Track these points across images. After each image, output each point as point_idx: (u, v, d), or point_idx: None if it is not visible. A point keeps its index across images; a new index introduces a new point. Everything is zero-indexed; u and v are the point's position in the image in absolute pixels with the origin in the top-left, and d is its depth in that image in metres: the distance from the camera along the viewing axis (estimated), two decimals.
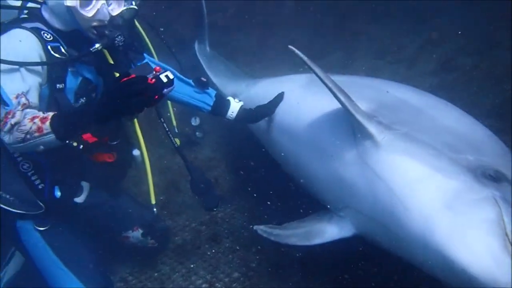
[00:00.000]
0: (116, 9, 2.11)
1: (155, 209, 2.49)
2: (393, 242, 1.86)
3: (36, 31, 2.05)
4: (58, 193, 2.23)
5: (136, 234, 2.69)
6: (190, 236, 3.00)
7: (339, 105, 2.02)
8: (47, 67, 2.03)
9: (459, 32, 4.04)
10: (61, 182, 2.25)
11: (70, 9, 2.02)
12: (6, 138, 1.87)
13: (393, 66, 4.17)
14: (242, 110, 2.68)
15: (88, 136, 2.14)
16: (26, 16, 2.16)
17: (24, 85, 1.94)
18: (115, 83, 1.74)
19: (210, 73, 4.00)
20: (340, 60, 4.44)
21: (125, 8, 2.12)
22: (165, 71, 1.79)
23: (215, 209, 2.59)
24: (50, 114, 1.89)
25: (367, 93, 2.26)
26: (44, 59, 2.02)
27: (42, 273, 2.31)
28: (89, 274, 2.32)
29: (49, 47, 2.05)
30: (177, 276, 2.72)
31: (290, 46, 2.10)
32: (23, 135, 1.84)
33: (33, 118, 1.86)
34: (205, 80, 2.66)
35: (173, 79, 1.78)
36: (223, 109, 2.66)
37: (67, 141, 1.94)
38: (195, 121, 3.77)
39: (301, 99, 2.58)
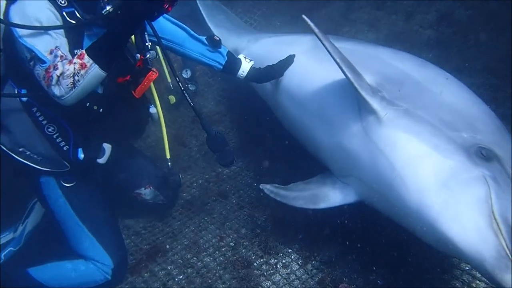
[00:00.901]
0: None
1: (169, 163, 2.69)
2: (392, 211, 2.05)
3: None
4: (81, 155, 2.37)
5: (148, 191, 2.88)
6: (198, 192, 3.19)
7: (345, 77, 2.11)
8: (65, 33, 2.10)
9: None
10: (84, 144, 2.37)
11: None
12: (57, 91, 1.97)
13: (391, 17, 4.16)
14: (252, 69, 2.74)
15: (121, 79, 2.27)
16: None
17: (54, 42, 2.05)
18: None
19: (210, 24, 3.98)
20: (340, 9, 4.41)
21: None
22: None
23: (231, 165, 2.71)
24: (82, 50, 1.99)
25: (371, 64, 2.32)
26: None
27: (60, 226, 2.48)
28: (104, 232, 2.49)
29: (64, 12, 2.12)
30: (188, 231, 2.92)
31: (303, 16, 2.14)
32: (71, 79, 1.95)
33: (70, 62, 1.97)
34: (218, 38, 2.71)
35: None
36: (234, 68, 2.73)
37: (109, 71, 2.03)
38: (186, 74, 3.72)
39: (307, 65, 2.64)
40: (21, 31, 2.03)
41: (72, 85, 1.95)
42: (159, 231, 2.98)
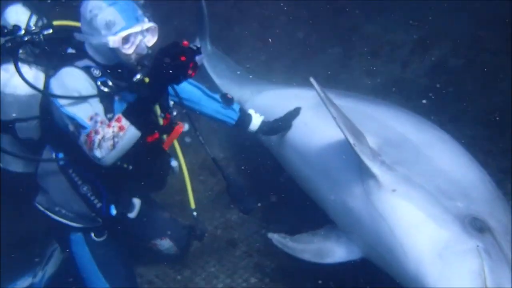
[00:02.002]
0: (151, 40, 2.34)
1: (195, 213, 2.85)
2: (392, 273, 2.17)
3: (87, 70, 2.32)
4: (114, 211, 2.54)
5: (164, 242, 3.02)
6: (208, 240, 3.29)
7: None
8: (99, 100, 2.29)
9: (449, 34, 4.26)
10: (115, 201, 2.55)
11: (112, 49, 2.26)
12: (98, 153, 2.16)
13: (388, 66, 4.38)
14: (262, 123, 2.95)
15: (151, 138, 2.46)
16: (73, 51, 2.40)
17: (93, 109, 2.25)
18: (157, 53, 2.10)
19: (212, 74, 4.17)
20: (338, 56, 4.64)
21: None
22: (193, 43, 2.11)
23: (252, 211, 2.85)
24: (117, 114, 2.20)
25: (372, 126, 2.47)
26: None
27: (84, 280, 2.63)
28: None
29: (98, 82, 2.32)
30: (199, 280, 3.03)
31: (311, 79, 2.30)
32: (111, 141, 2.15)
33: (109, 125, 2.17)
34: (230, 97, 2.94)
35: (200, 47, 2.12)
36: (246, 123, 2.95)
37: (143, 131, 2.24)
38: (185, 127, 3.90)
39: (312, 122, 2.80)
40: (61, 101, 2.23)
41: (112, 147, 2.15)
42: (171, 279, 3.09)
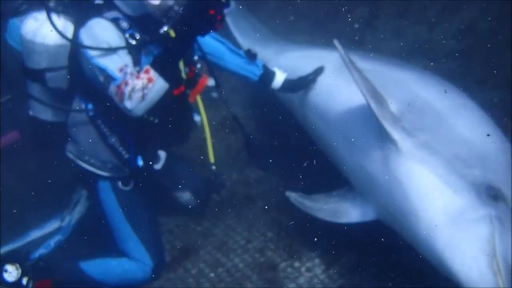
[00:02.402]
0: None
1: (213, 166, 2.89)
2: (404, 235, 2.25)
3: (116, 22, 2.36)
4: (140, 162, 2.66)
5: (184, 195, 3.14)
6: (227, 195, 3.41)
7: None
8: (127, 52, 2.35)
9: None
10: (142, 152, 2.67)
11: None
12: (129, 104, 2.23)
13: (415, 27, 4.28)
14: (285, 81, 2.98)
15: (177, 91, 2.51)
16: (101, 3, 2.42)
17: (122, 60, 2.30)
18: (187, 4, 2.13)
19: (236, 33, 4.15)
20: (364, 15, 4.54)
21: None
22: None
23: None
24: (146, 66, 2.25)
25: (395, 91, 2.47)
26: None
27: (110, 226, 2.78)
28: (148, 235, 2.77)
29: (127, 35, 2.36)
30: (218, 231, 3.16)
31: (335, 41, 2.32)
32: (141, 93, 2.21)
33: (138, 77, 2.22)
34: (254, 52, 2.95)
35: (229, 0, 2.12)
36: (269, 79, 2.98)
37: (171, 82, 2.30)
38: (211, 82, 3.93)
39: (335, 84, 2.80)
40: (91, 52, 2.28)
41: (142, 98, 2.22)
42: (191, 230, 3.22)
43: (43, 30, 2.45)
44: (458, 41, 4.06)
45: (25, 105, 2.74)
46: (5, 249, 2.94)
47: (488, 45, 3.85)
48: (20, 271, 2.57)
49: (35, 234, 3.08)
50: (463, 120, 2.31)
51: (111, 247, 2.79)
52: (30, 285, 2.59)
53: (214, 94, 3.97)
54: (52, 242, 3.01)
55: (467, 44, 4.00)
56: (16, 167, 3.37)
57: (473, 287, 1.86)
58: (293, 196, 2.74)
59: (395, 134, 2.21)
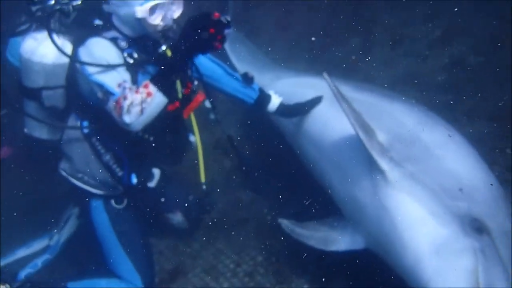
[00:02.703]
0: (177, 12, 2.44)
1: (204, 186, 2.88)
2: (392, 264, 2.27)
3: (114, 41, 2.42)
4: (134, 180, 2.68)
5: (176, 217, 3.15)
6: (218, 216, 3.42)
7: None
8: (125, 69, 2.39)
9: (469, 31, 4.25)
10: (136, 170, 2.68)
11: (139, 19, 2.35)
12: (127, 119, 2.25)
13: (407, 60, 4.40)
14: (281, 105, 3.03)
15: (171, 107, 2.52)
16: (101, 23, 2.49)
17: (121, 76, 2.35)
18: (187, 22, 2.17)
19: (233, 58, 4.23)
20: (357, 48, 4.66)
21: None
22: (224, 16, 2.17)
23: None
24: (145, 81, 2.28)
25: (384, 121, 2.52)
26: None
27: (101, 246, 2.78)
28: (139, 257, 2.76)
29: (125, 54, 2.42)
30: (208, 254, 3.17)
31: (324, 74, 2.39)
32: (140, 107, 2.24)
33: (137, 91, 2.26)
34: (251, 76, 3.00)
35: (230, 21, 2.17)
36: (265, 103, 3.03)
37: (169, 100, 2.34)
38: (208, 104, 3.98)
39: (328, 113, 2.85)
40: (90, 70, 2.33)
41: (140, 112, 2.25)
42: (181, 251, 3.24)
43: (41, 49, 2.51)
44: (448, 74, 4.15)
45: (20, 121, 2.76)
46: None
47: (477, 79, 3.98)
48: None
49: (21, 252, 3.05)
50: (450, 153, 2.36)
51: (100, 266, 2.78)
52: None
53: (212, 116, 4.04)
54: (40, 262, 2.99)
55: (456, 77, 4.10)
56: (7, 183, 3.35)
57: None
58: (284, 223, 2.77)
59: (383, 164, 2.27)
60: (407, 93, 3.94)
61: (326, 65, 4.22)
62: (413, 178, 2.22)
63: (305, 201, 3.15)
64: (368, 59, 4.46)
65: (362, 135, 2.27)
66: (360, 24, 4.74)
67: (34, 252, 3.04)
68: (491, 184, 2.24)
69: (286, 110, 3.04)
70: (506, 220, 2.12)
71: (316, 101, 2.96)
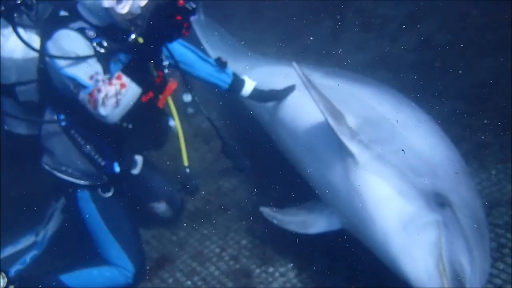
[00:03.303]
0: (143, 1, 2.42)
1: (187, 170, 2.91)
2: (364, 242, 2.40)
3: (82, 31, 2.41)
4: (117, 168, 2.69)
5: (160, 205, 3.22)
6: (201, 204, 3.51)
7: None
8: (96, 60, 2.39)
9: (438, 10, 4.38)
10: (118, 158, 2.70)
11: (106, 8, 2.36)
12: (103, 111, 2.26)
13: (378, 41, 4.51)
14: (255, 89, 3.10)
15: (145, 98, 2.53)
16: (66, 14, 2.46)
17: (92, 68, 2.33)
18: (153, 10, 2.20)
19: (206, 45, 4.26)
20: (329, 31, 4.75)
21: None
22: (189, 3, 2.19)
23: (247, 169, 3.11)
24: (117, 72, 2.29)
25: (353, 106, 2.63)
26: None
27: (90, 235, 2.82)
28: (129, 242, 2.82)
29: (94, 43, 2.42)
30: (193, 241, 3.25)
31: (293, 64, 2.49)
32: (114, 99, 2.25)
33: (110, 83, 2.26)
34: (224, 61, 3.05)
35: (196, 8, 2.20)
36: (239, 87, 3.08)
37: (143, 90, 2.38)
38: (187, 98, 4.01)
39: (300, 100, 2.92)
40: (60, 63, 2.32)
41: (116, 104, 2.27)
42: (167, 240, 3.31)
43: (8, 44, 2.51)
44: (417, 54, 4.28)
45: None
46: None
47: (446, 58, 4.12)
48: (6, 280, 2.60)
49: (9, 250, 3.10)
50: (414, 132, 2.48)
51: (89, 256, 2.83)
52: None
53: (190, 110, 4.08)
54: (28, 258, 3.04)
55: (426, 56, 4.23)
56: None
57: (422, 286, 2.02)
58: (266, 211, 2.89)
59: (353, 147, 2.37)
60: (378, 74, 4.08)
61: (299, 50, 4.26)
62: (380, 159, 2.33)
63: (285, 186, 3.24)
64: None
65: (331, 121, 2.37)
66: (333, 6, 4.82)
67: (22, 249, 3.08)
68: (453, 160, 2.39)
69: (260, 94, 3.10)
70: (468, 192, 2.27)
71: (289, 89, 3.04)
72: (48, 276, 2.73)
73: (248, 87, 3.09)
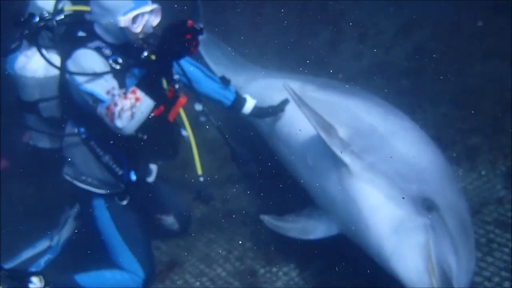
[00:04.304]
0: (156, 21, 2.66)
1: (201, 178, 3.04)
2: (360, 245, 2.55)
3: (99, 50, 2.62)
4: (134, 177, 2.86)
5: (168, 218, 3.38)
6: (207, 211, 3.68)
7: None
8: (112, 76, 2.58)
9: (429, 19, 4.59)
10: (135, 167, 2.87)
11: (121, 28, 2.57)
12: (119, 123, 2.43)
13: (373, 50, 4.71)
14: (255, 107, 3.28)
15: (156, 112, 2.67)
16: (84, 35, 2.68)
17: (109, 84, 2.51)
18: (165, 29, 2.41)
19: (209, 61, 4.44)
20: (327, 42, 4.96)
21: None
22: (197, 23, 2.41)
23: (257, 175, 3.31)
24: (132, 87, 2.47)
25: (344, 118, 2.79)
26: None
27: (104, 241, 2.98)
28: (140, 249, 2.99)
29: (110, 61, 2.62)
30: (201, 245, 3.43)
31: (284, 85, 2.66)
32: (130, 112, 2.42)
33: (125, 97, 2.44)
34: (228, 79, 3.24)
35: (203, 28, 2.42)
36: (241, 105, 3.26)
37: (155, 103, 2.54)
38: (198, 107, 4.17)
39: (295, 113, 2.95)
40: (79, 79, 2.51)
41: (131, 117, 2.45)
42: (176, 245, 3.48)
43: (32, 64, 2.72)
44: (411, 62, 4.47)
45: (18, 134, 2.97)
46: None
47: (438, 65, 4.32)
48: (43, 282, 2.74)
49: (26, 254, 3.27)
50: (402, 140, 2.64)
51: (102, 261, 3.00)
52: None
53: (202, 119, 4.24)
54: (42, 261, 3.20)
55: (419, 64, 4.42)
56: (6, 194, 3.54)
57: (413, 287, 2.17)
58: (266, 219, 3.03)
59: (346, 158, 2.53)
60: (374, 81, 4.28)
61: (298, 61, 4.44)
62: (372, 167, 2.49)
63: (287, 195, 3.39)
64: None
65: (323, 135, 2.54)
66: (329, 20, 5.02)
67: (37, 253, 3.25)
68: (438, 164, 2.55)
69: (259, 112, 3.29)
70: (453, 194, 2.42)
71: (284, 103, 3.23)
72: (64, 276, 2.89)
73: (249, 105, 3.26)
